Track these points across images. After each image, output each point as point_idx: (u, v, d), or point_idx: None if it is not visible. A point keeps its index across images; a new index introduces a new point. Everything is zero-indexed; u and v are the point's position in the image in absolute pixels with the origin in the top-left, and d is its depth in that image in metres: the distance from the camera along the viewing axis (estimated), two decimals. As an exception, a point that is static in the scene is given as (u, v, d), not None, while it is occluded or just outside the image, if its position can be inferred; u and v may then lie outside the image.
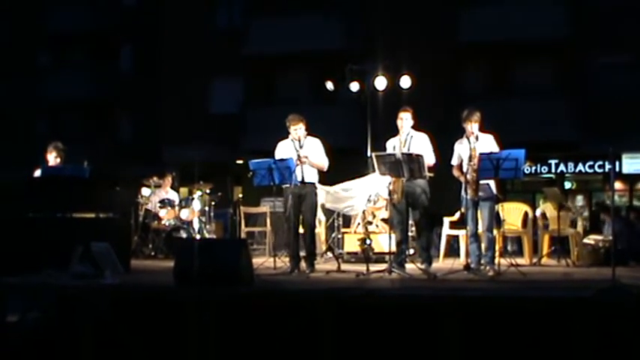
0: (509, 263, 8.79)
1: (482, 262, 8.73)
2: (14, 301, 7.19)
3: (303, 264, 9.11)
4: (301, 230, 9.26)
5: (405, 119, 9.08)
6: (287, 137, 9.26)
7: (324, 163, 9.26)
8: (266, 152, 9.42)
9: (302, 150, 9.05)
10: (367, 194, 11.12)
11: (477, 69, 22.14)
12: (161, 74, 24.85)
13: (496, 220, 8.91)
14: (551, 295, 6.41)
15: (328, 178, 10.18)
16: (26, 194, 8.97)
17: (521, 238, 11.35)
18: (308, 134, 9.24)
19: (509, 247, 12.81)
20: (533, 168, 21.41)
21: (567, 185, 22.39)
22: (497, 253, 8.76)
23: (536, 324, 5.82)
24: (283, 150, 9.20)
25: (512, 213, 11.03)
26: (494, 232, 8.84)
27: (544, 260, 10.79)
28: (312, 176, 9.20)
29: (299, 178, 8.93)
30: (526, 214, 11.10)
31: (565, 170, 21.92)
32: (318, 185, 9.42)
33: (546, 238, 11.29)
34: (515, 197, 15.95)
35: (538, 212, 11.65)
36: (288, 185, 8.94)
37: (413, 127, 9.15)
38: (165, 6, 25.07)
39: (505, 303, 6.12)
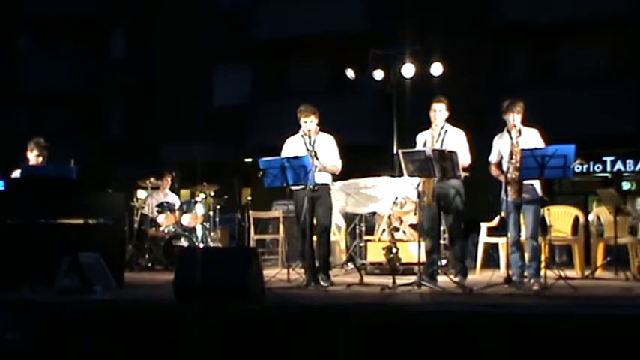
0: (557, 275, 8.78)
1: (526, 274, 8.71)
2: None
3: (320, 276, 9.14)
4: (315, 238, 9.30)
5: (438, 111, 9.10)
6: (296, 133, 9.32)
7: (337, 165, 9.32)
8: (278, 149, 9.46)
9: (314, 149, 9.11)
10: (393, 196, 11.13)
11: (520, 53, 22.03)
12: (157, 62, 24.94)
13: (541, 226, 8.90)
14: (606, 313, 6.39)
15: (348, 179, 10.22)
16: (4, 198, 9.03)
17: (570, 246, 11.31)
18: (320, 130, 9.28)
19: (556, 257, 12.75)
20: (585, 166, 21.28)
21: (625, 186, 22.24)
22: (542, 264, 8.73)
23: (589, 346, 5.80)
24: (292, 147, 9.25)
25: (561, 218, 11.00)
26: (540, 239, 8.82)
27: (598, 272, 10.72)
28: (325, 177, 9.25)
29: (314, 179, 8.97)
30: (576, 219, 11.06)
31: (623, 169, 21.78)
32: (337, 187, 9.44)
33: (600, 246, 11.23)
34: (564, 200, 15.91)
35: (591, 217, 11.60)
36: (299, 188, 8.98)
37: (447, 121, 9.16)
38: (162, -16, 25.18)
39: (552, 321, 6.10)
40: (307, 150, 9.08)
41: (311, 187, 8.87)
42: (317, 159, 8.99)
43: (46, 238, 8.63)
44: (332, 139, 9.37)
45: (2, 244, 8.41)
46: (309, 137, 9.19)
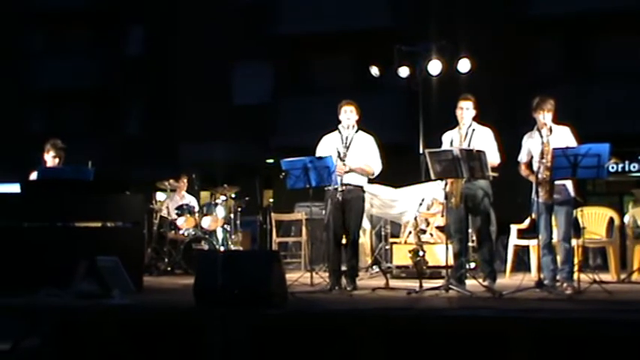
0: (591, 279, 8.73)
1: (558, 277, 8.70)
2: (6, 326, 7.30)
3: (344, 280, 9.16)
4: (343, 241, 9.30)
5: (465, 109, 9.10)
6: (333, 130, 9.33)
7: (372, 165, 9.27)
8: (300, 149, 9.48)
9: (349, 150, 9.10)
10: (420, 198, 11.12)
11: (551, 48, 21.92)
12: (175, 59, 25.03)
13: (574, 228, 8.87)
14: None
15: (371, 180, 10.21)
16: (21, 201, 9.11)
17: (605, 249, 11.26)
18: (360, 129, 9.29)
19: (590, 261, 12.70)
20: (620, 165, 21.13)
21: (663, 186, 22.08)
22: (576, 267, 8.70)
23: (626, 353, 5.77)
24: (327, 145, 9.27)
25: (595, 219, 10.95)
26: (573, 242, 8.79)
27: (634, 277, 10.66)
28: (357, 178, 9.23)
29: (341, 180, 8.98)
30: (611, 220, 11.01)
31: (661, 168, 21.64)
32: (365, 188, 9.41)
33: (637, 249, 11.13)
34: (598, 201, 15.82)
35: (626, 219, 11.53)
36: (330, 187, 8.99)
37: (474, 119, 9.15)
38: (180, -21, 25.26)
39: (587, 327, 6.08)
40: (342, 145, 9.10)
41: (337, 187, 8.90)
42: (341, 159, 8.98)
43: (63, 242, 8.69)
44: (371, 139, 9.35)
45: (19, 247, 8.48)
46: (347, 129, 9.20)
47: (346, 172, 9.02)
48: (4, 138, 26.17)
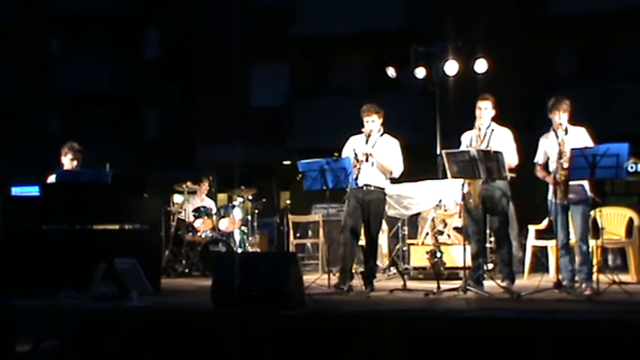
0: (610, 280, 8.67)
1: (577, 278, 8.65)
2: (26, 328, 7.35)
3: (359, 281, 9.14)
4: (362, 242, 9.27)
5: (484, 109, 9.05)
6: (359, 132, 9.35)
7: (393, 166, 9.26)
8: (318, 150, 9.47)
9: (372, 149, 9.10)
10: (435, 195, 11.09)
11: (569, 48, 21.83)
12: (193, 61, 25.09)
13: (594, 229, 8.82)
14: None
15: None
16: (39, 204, 9.15)
17: (625, 249, 11.19)
18: (386, 132, 9.29)
19: (610, 261, 12.63)
20: (640, 165, 21.07)
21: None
22: (595, 268, 8.65)
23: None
24: (351, 146, 9.29)
25: (614, 220, 10.88)
26: (592, 242, 8.74)
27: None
28: (378, 179, 9.23)
29: (359, 182, 8.97)
30: (631, 220, 10.93)
31: (680, 167, 21.49)
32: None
33: (657, 250, 11.10)
34: (617, 201, 15.73)
35: (646, 219, 11.47)
36: (350, 188, 8.98)
37: (493, 120, 9.12)
38: (197, -19, 25.31)
39: (605, 329, 6.05)
40: (355, 151, 9.08)
41: (353, 188, 8.90)
42: (357, 160, 8.98)
43: (82, 244, 8.73)
44: (396, 142, 9.35)
45: (37, 250, 8.51)
46: (369, 137, 9.21)
47: (367, 156, 9.02)
48: (23, 140, 26.33)
